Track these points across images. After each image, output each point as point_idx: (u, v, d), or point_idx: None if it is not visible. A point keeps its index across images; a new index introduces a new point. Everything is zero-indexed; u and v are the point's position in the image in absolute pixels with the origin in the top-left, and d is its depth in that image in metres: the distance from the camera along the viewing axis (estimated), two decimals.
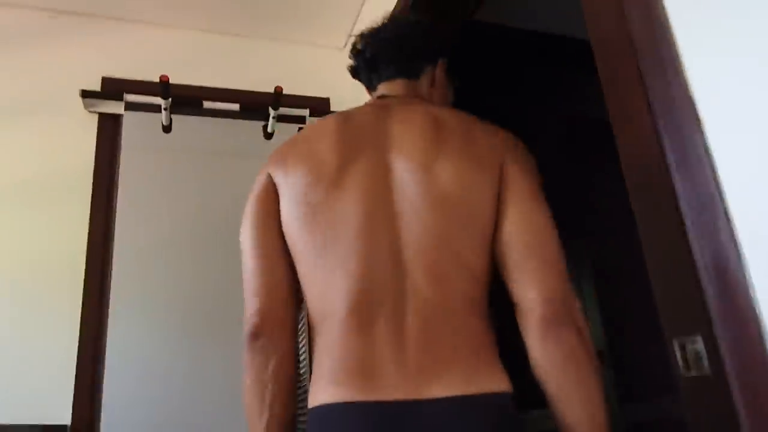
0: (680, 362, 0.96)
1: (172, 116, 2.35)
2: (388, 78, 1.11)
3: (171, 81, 2.28)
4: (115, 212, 2.18)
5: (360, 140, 0.96)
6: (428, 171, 0.91)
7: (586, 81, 2.66)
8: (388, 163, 0.93)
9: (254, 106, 2.36)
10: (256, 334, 0.92)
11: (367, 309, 0.86)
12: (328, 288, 0.89)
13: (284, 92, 2.37)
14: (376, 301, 0.86)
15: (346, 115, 1.02)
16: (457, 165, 0.92)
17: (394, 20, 1.18)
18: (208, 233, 2.38)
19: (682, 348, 0.97)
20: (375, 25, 1.15)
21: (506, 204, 0.93)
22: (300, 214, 0.92)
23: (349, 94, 2.57)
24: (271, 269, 0.94)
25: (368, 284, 0.87)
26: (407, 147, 0.94)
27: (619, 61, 1.13)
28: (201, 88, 2.32)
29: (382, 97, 1.09)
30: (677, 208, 0.92)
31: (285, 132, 2.51)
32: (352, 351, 0.85)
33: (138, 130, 2.36)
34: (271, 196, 0.97)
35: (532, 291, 0.88)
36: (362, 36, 1.15)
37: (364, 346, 0.85)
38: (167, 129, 2.34)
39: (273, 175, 0.98)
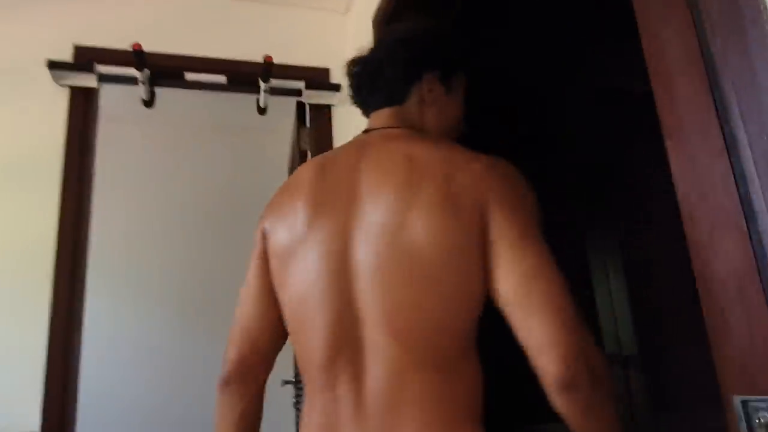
0: (743, 426, 0.73)
1: (156, 89, 2.13)
2: (376, 108, 1.06)
3: (151, 50, 2.05)
4: (91, 194, 1.99)
5: (331, 193, 0.94)
6: (395, 226, 0.86)
7: (626, 45, 2.36)
8: (355, 218, 0.90)
9: (243, 77, 2.11)
10: (227, 381, 0.98)
11: (332, 369, 0.87)
12: (304, 344, 0.91)
13: (278, 62, 2.12)
14: (340, 361, 0.86)
15: (324, 161, 1.00)
16: (429, 215, 0.84)
17: (374, 46, 1.11)
18: (201, 213, 2.19)
19: (747, 409, 0.73)
20: (358, 53, 1.11)
21: (492, 251, 0.83)
22: (281, 272, 0.95)
23: None
24: (256, 319, 0.99)
25: (332, 345, 0.87)
26: (375, 199, 0.89)
27: (668, 15, 0.85)
28: (182, 57, 2.07)
29: (367, 131, 1.05)
30: (757, 245, 0.66)
31: (280, 107, 2.27)
32: (322, 411, 0.87)
33: (117, 105, 2.15)
34: (264, 252, 1.00)
35: (540, 355, 0.76)
36: (348, 65, 1.10)
37: (331, 406, 0.86)
38: (148, 103, 2.12)
39: (264, 231, 1.00)
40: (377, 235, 0.86)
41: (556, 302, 0.78)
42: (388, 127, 1.01)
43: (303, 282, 0.91)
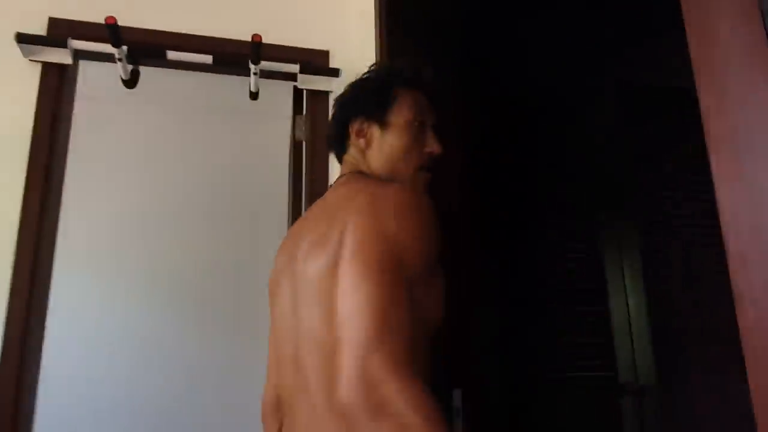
0: None
1: (142, 69, 1.96)
2: (341, 162, 1.16)
3: (132, 25, 1.87)
4: (63, 178, 1.83)
5: (292, 243, 1.04)
6: (303, 269, 0.94)
7: (644, 38, 2.13)
8: (294, 266, 0.99)
9: (231, 58, 1.92)
10: (261, 418, 1.10)
11: (292, 399, 0.95)
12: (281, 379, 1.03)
13: (271, 42, 1.93)
14: (294, 397, 0.94)
15: (304, 215, 1.14)
16: (317, 253, 0.91)
17: None
18: (188, 203, 2.01)
19: None
20: None
21: None
22: (271, 317, 1.08)
23: (355, 47, 2.12)
24: (273, 364, 1.09)
25: (290, 383, 0.96)
26: (300, 247, 0.98)
27: None
28: (163, 33, 1.89)
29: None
30: None
31: (273, 91, 2.08)
32: None
33: (98, 85, 1.97)
34: None
35: (337, 374, 0.76)
36: None
37: None
38: (129, 84, 1.94)
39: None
40: (299, 282, 0.94)
41: (351, 328, 0.76)
42: (343, 175, 1.10)
43: (277, 326, 1.03)
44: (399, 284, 0.79)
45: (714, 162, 0.66)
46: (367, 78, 1.16)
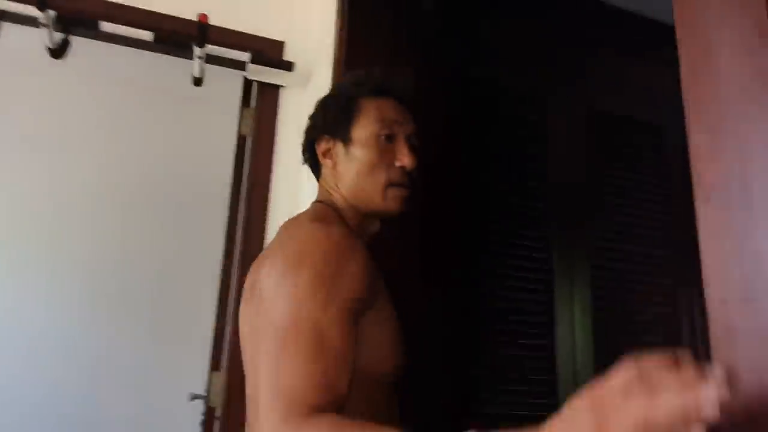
0: None
1: (71, 38, 1.76)
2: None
3: None
4: None
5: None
6: (241, 317, 0.97)
7: (613, 66, 2.08)
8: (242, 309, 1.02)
9: (175, 37, 1.75)
10: None
11: None
12: None
13: (221, 25, 1.77)
14: None
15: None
16: (248, 306, 0.93)
17: None
18: (114, 193, 1.82)
19: None
20: None
21: None
22: None
23: (313, 40, 1.97)
24: None
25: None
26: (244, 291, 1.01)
27: (724, 15, 0.55)
28: (97, 1, 1.70)
29: None
30: None
31: (220, 79, 1.91)
32: None
33: (18, 50, 1.77)
34: None
35: None
36: None
37: None
38: (56, 53, 1.74)
39: None
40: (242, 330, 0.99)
41: (264, 399, 0.76)
42: (312, 203, 1.04)
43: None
44: (294, 342, 0.77)
45: (701, 214, 0.55)
46: (332, 92, 1.10)
